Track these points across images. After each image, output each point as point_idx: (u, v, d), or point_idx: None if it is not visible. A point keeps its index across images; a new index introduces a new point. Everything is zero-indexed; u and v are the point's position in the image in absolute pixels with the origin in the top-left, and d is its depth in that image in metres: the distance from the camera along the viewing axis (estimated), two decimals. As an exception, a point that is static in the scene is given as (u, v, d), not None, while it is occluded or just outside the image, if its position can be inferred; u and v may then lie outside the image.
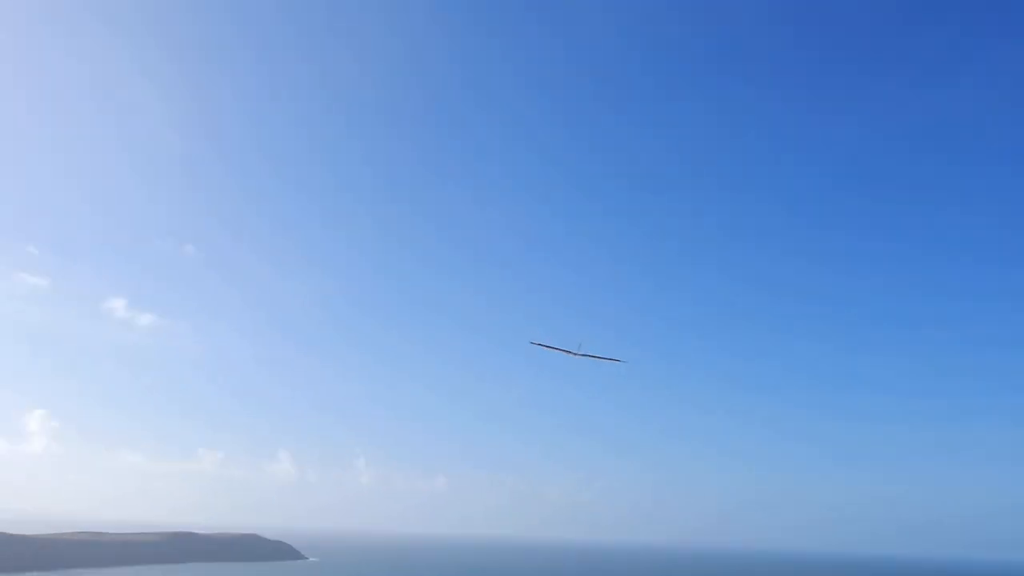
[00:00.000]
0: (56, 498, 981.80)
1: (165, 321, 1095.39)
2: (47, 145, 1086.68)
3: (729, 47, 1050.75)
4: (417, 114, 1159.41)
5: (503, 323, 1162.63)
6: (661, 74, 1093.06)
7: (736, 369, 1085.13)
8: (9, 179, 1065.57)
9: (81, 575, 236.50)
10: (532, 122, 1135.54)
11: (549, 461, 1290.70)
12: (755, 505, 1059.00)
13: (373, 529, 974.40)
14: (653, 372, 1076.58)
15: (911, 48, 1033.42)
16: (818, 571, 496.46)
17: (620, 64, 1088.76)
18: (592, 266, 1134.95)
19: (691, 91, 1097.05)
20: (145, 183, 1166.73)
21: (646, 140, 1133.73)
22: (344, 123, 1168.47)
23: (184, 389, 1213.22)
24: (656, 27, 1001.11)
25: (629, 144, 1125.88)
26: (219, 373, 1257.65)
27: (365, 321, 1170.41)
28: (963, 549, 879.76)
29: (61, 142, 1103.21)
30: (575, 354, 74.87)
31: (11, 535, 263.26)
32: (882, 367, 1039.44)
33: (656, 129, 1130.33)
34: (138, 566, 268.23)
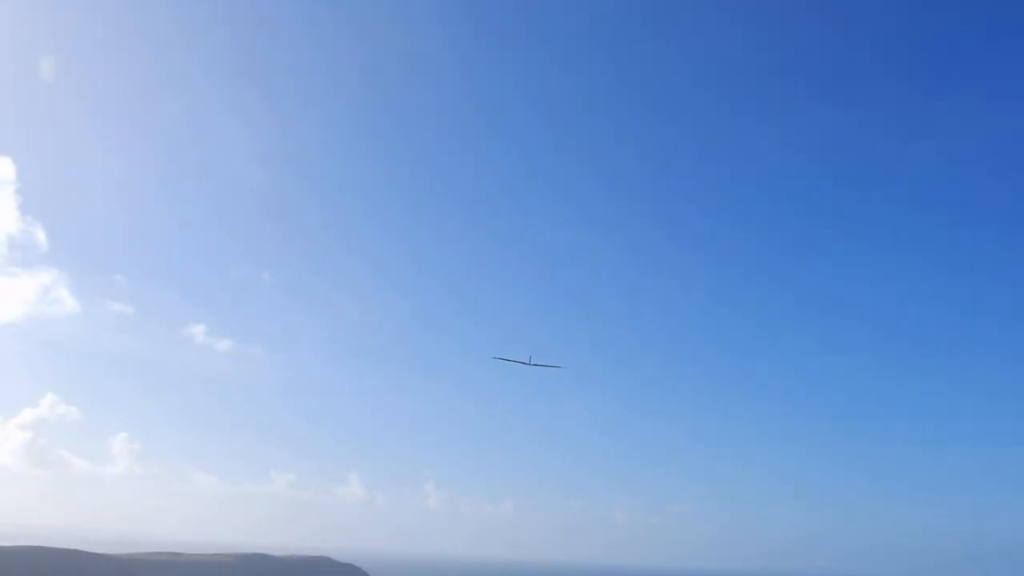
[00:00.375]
0: (135, 519, 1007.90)
1: (242, 346, 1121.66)
2: (134, 177, 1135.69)
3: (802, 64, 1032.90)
4: (483, 141, 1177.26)
5: (575, 348, 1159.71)
6: (712, 87, 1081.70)
7: (802, 396, 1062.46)
8: (98, 212, 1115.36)
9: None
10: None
11: (617, 485, 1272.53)
12: (824, 533, 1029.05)
13: (441, 552, 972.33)
14: (722, 401, 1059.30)
15: (983, 63, 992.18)
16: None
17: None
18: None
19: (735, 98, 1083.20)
20: (225, 212, 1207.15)
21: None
22: (411, 153, 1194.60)
23: (259, 412, 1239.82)
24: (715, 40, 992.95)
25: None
26: (293, 396, 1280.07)
27: (436, 345, 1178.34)
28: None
29: (147, 174, 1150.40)
30: (528, 364, 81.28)
31: (93, 554, 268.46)
32: (925, 392, 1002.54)
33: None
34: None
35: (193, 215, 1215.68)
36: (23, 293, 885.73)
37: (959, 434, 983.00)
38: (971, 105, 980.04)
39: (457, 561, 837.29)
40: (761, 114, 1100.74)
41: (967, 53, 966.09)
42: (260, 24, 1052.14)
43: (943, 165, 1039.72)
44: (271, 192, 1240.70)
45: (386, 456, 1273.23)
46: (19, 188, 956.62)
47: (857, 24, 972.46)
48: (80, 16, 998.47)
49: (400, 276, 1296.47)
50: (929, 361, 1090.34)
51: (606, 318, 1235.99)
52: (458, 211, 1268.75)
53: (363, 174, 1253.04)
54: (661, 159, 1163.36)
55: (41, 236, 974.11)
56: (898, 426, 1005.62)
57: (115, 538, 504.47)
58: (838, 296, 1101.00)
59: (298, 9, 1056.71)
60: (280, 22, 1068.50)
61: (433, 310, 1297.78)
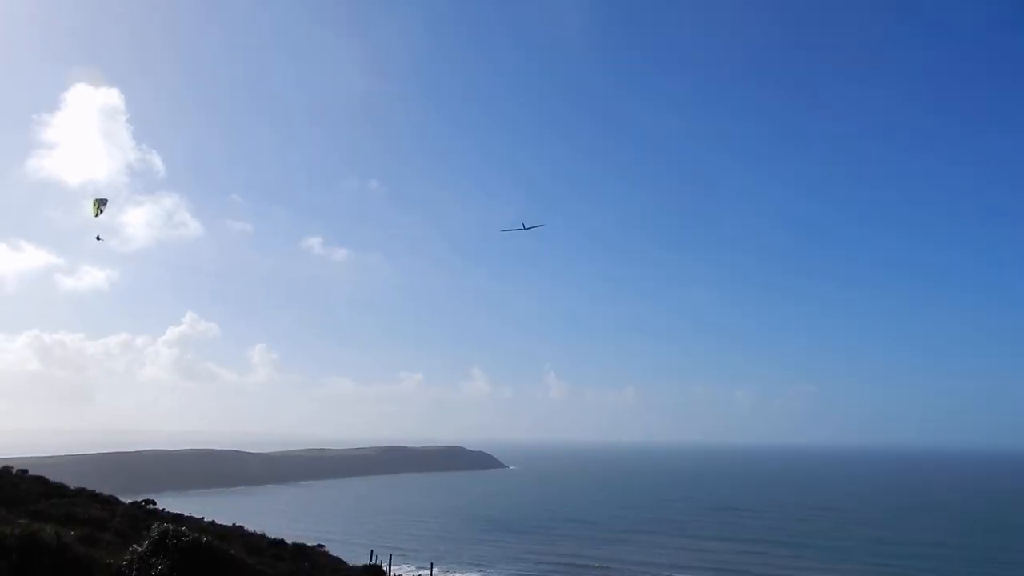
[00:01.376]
0: (277, 421, 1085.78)
1: (358, 254, 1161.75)
2: (236, 97, 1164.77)
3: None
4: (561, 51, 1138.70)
5: (697, 238, 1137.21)
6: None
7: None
8: (207, 134, 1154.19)
9: (310, 486, 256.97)
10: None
11: (738, 369, 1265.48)
12: (964, 409, 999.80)
13: (566, 439, 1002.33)
14: (846, 278, 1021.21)
15: None
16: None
17: None
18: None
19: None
20: (327, 125, 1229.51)
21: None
22: (490, 65, 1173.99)
23: (382, 316, 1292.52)
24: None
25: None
26: (412, 299, 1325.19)
27: (545, 244, 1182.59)
28: None
29: (247, 93, 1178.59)
30: (526, 228, 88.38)
31: (248, 453, 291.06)
32: None
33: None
34: (357, 477, 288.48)
35: (297, 130, 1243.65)
36: (150, 219, 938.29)
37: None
38: None
39: (582, 446, 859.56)
40: None
41: None
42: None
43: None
44: (366, 103, 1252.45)
45: (508, 351, 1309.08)
46: (129, 118, 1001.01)
47: None
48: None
49: (494, 179, 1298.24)
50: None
51: (735, 214, 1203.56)
52: (534, 115, 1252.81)
53: (448, 81, 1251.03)
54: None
55: (158, 162, 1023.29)
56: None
57: (264, 439, 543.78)
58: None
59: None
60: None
61: (536, 208, 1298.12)
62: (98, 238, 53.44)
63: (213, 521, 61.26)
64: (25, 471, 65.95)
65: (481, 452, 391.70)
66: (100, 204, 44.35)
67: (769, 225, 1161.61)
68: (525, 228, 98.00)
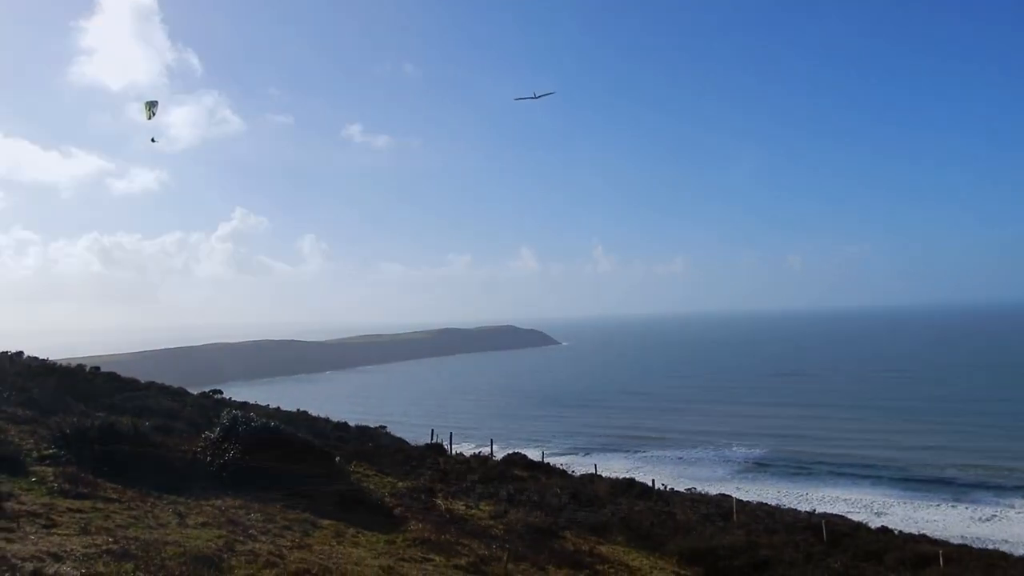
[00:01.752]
0: (331, 310, 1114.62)
1: (399, 140, 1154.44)
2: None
3: None
4: None
5: (749, 95, 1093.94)
6: None
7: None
8: (240, 30, 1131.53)
9: (367, 371, 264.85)
10: None
11: (789, 233, 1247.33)
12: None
13: (617, 313, 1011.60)
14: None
15: None
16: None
17: None
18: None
19: None
20: (355, 8, 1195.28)
21: None
22: None
23: (427, 201, 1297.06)
24: None
25: None
26: (455, 182, 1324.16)
27: (588, 114, 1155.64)
28: None
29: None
30: (536, 96, 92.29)
31: (307, 342, 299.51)
32: None
33: None
34: (413, 360, 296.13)
35: (328, 18, 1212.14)
36: (193, 118, 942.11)
37: None
38: None
39: (632, 319, 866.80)
40: None
41: None
42: None
43: None
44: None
45: (555, 228, 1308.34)
46: (163, 18, 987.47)
47: None
48: None
49: (531, 52, 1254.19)
50: None
51: (775, 76, 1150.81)
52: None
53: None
54: None
55: (195, 61, 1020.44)
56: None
57: (319, 328, 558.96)
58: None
59: None
60: None
61: (572, 85, 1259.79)
62: (153, 140, 52.84)
63: (278, 407, 62.86)
64: (97, 368, 67.63)
65: (533, 330, 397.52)
66: (151, 106, 43.40)
67: (808, 95, 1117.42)
68: (536, 97, 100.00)
